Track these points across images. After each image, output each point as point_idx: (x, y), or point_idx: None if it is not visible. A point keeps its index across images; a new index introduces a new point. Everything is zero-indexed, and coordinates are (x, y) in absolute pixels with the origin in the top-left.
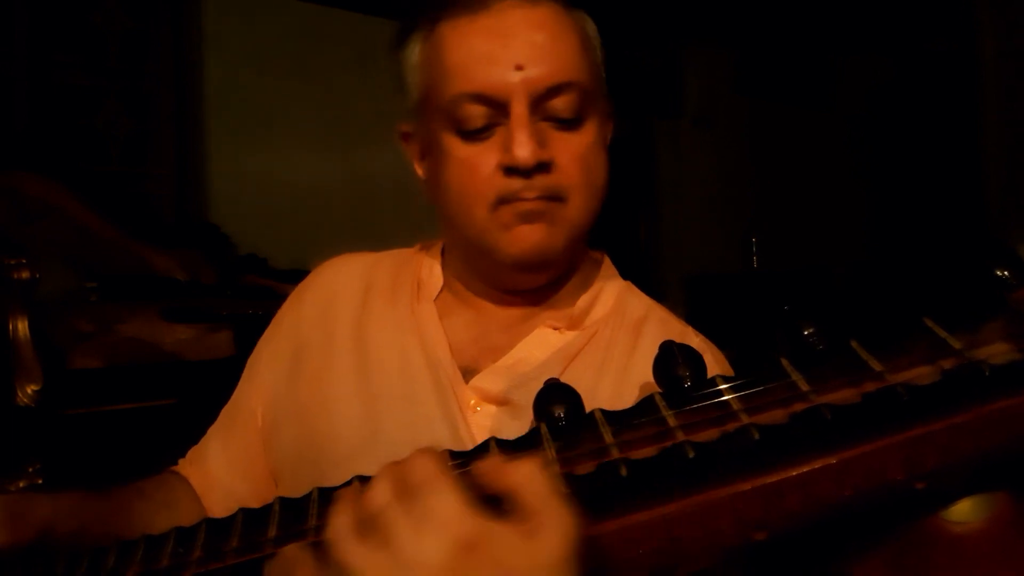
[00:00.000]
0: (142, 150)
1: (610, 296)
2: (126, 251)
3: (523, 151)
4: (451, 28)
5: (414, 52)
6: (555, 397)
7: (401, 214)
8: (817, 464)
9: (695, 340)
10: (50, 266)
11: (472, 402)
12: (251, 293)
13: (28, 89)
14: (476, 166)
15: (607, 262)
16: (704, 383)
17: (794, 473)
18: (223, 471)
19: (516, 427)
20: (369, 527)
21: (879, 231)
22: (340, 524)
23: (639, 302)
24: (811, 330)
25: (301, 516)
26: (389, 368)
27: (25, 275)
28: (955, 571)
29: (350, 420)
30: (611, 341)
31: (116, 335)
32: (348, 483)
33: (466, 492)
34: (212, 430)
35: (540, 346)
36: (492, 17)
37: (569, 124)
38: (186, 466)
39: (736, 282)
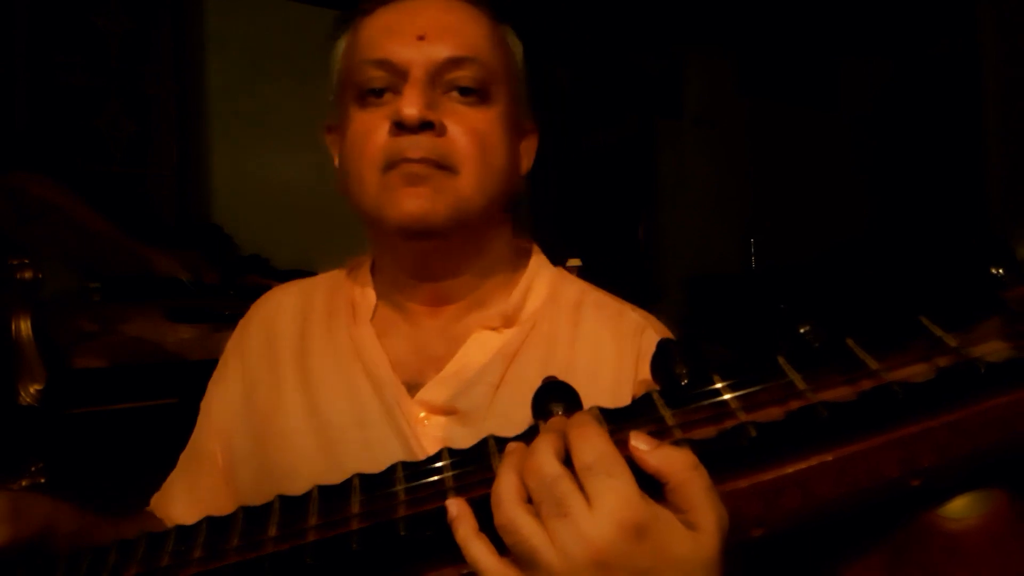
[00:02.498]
0: (143, 151)
1: (543, 286)
2: (128, 252)
3: (410, 108)
4: (370, 19)
5: (340, 47)
6: (553, 396)
7: None
8: (814, 462)
9: (633, 316)
10: (52, 266)
11: (421, 415)
12: (253, 293)
13: (28, 89)
14: (370, 131)
15: (536, 251)
16: (702, 381)
17: (791, 470)
18: (189, 517)
19: (466, 434)
20: (537, 495)
21: (880, 232)
22: (507, 487)
23: (572, 287)
24: (808, 329)
25: (302, 515)
26: (336, 395)
27: (28, 275)
28: (952, 568)
29: (305, 453)
30: (550, 335)
31: (119, 335)
32: (308, 494)
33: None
34: (173, 476)
35: (480, 349)
36: (406, 4)
37: (472, 101)
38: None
39: (736, 283)
